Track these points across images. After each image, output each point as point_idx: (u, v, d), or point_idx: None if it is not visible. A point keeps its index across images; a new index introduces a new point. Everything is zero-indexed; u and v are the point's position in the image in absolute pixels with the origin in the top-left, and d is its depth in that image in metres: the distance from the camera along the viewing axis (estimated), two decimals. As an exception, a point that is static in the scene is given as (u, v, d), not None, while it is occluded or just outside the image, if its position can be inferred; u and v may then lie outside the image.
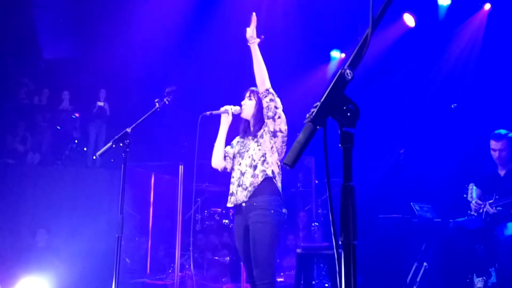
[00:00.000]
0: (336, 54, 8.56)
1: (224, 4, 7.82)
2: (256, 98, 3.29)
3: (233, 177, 3.26)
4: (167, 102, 3.33)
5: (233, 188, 3.24)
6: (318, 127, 1.05)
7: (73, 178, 8.25)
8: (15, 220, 7.38)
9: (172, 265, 6.36)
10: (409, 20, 7.20)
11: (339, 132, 1.08)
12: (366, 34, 1.09)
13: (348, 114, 1.06)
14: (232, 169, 3.32)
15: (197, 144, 3.38)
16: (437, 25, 7.09)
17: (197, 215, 6.85)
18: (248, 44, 3.27)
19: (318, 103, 1.05)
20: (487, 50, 6.65)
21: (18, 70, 9.17)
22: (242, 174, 3.18)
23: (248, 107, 3.32)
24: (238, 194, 3.17)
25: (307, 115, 1.05)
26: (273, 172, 3.14)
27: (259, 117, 3.27)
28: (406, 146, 5.89)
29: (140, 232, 7.57)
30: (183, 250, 6.29)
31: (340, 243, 1.03)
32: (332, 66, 8.59)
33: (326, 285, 5.76)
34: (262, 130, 3.23)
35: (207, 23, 8.09)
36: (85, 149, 9.27)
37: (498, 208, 4.56)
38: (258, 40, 3.25)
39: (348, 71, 1.08)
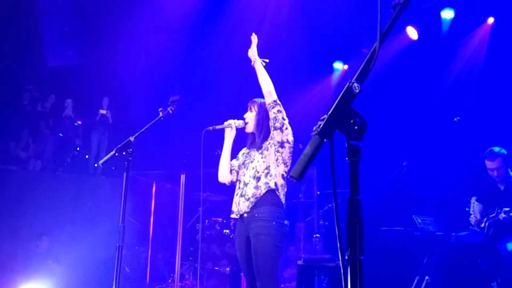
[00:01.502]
0: (338, 66, 8.58)
1: (228, 14, 7.86)
2: (256, 109, 3.31)
3: (239, 188, 3.26)
4: (170, 112, 3.34)
5: (236, 199, 3.25)
6: (325, 140, 1.05)
7: (75, 185, 8.26)
8: (17, 226, 7.37)
9: (172, 274, 6.32)
10: (412, 33, 7.22)
11: (346, 145, 1.08)
12: (373, 48, 1.09)
13: (356, 127, 1.06)
14: (238, 180, 3.32)
15: (202, 158, 3.43)
16: (440, 39, 7.11)
17: (197, 224, 6.82)
18: (251, 64, 3.37)
19: (325, 116, 1.05)
20: (490, 64, 6.65)
21: (22, 76, 9.21)
22: (245, 184, 3.19)
23: (250, 120, 3.33)
24: (240, 204, 3.17)
25: (314, 128, 1.05)
26: (276, 184, 3.13)
27: (262, 126, 3.27)
28: (409, 158, 5.88)
29: (140, 241, 7.54)
30: (183, 259, 6.25)
31: (346, 257, 1.02)
32: (335, 77, 8.61)
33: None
34: (267, 142, 3.23)
35: (211, 33, 8.13)
36: (87, 156, 9.29)
37: (511, 214, 4.52)
38: (259, 60, 3.33)
39: (355, 84, 1.07)
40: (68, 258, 6.42)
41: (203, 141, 3.33)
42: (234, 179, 3.36)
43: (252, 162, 3.23)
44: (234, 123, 3.34)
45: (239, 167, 3.35)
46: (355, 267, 0.99)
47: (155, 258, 7.21)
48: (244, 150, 3.46)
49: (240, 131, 3.40)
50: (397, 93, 7.10)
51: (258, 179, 3.13)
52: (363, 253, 1.00)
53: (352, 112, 1.06)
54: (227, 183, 3.38)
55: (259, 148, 3.24)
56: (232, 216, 3.28)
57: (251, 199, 3.11)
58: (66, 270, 5.98)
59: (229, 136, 3.37)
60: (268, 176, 3.14)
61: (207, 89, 8.59)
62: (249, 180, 3.17)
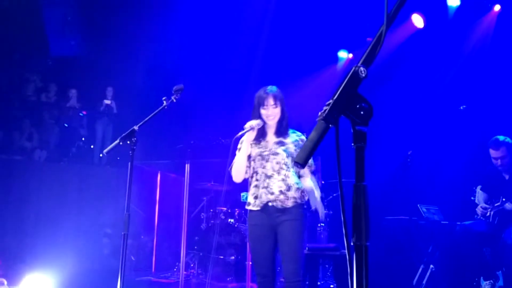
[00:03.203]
0: (343, 55, 8.52)
1: (234, 3, 7.80)
2: (280, 105, 3.26)
3: (257, 180, 3.24)
4: (174, 100, 3.32)
5: (257, 191, 3.23)
6: (330, 125, 1.03)
7: (80, 176, 8.29)
8: (21, 217, 7.42)
9: (177, 263, 6.36)
10: (418, 21, 7.15)
11: (352, 130, 1.06)
12: (380, 32, 1.07)
13: (362, 112, 1.04)
14: (255, 172, 3.28)
15: (228, 166, 3.35)
16: (446, 26, 7.04)
17: (202, 214, 6.84)
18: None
19: (331, 101, 1.03)
20: (496, 52, 6.58)
21: (26, 67, 9.21)
22: (268, 177, 3.20)
23: (276, 115, 3.27)
24: (263, 196, 3.18)
25: (320, 113, 1.03)
26: (299, 176, 3.27)
27: (283, 121, 3.29)
28: (414, 147, 5.85)
29: (145, 230, 7.58)
30: (188, 248, 6.28)
31: (352, 244, 1.01)
32: (340, 66, 8.56)
33: (332, 286, 5.73)
34: (289, 137, 3.30)
35: (216, 22, 8.08)
36: (92, 146, 9.31)
37: None
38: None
39: (362, 68, 1.06)
40: (73, 247, 6.45)
41: (232, 149, 3.30)
42: (247, 176, 3.34)
43: (273, 154, 3.22)
44: (257, 125, 3.23)
45: (251, 159, 3.31)
46: (360, 253, 0.98)
47: (160, 247, 7.25)
48: (249, 141, 3.32)
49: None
50: (403, 81, 7.06)
51: (281, 171, 3.19)
52: (369, 239, 0.99)
53: (358, 97, 1.05)
54: (238, 181, 3.36)
55: (280, 142, 3.27)
56: (250, 207, 3.26)
57: (276, 193, 3.15)
58: (71, 260, 6.01)
59: (249, 139, 3.28)
60: (291, 168, 3.22)
61: (213, 78, 8.56)
62: (272, 173, 3.19)
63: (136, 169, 7.49)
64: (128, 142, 3.11)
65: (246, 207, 3.30)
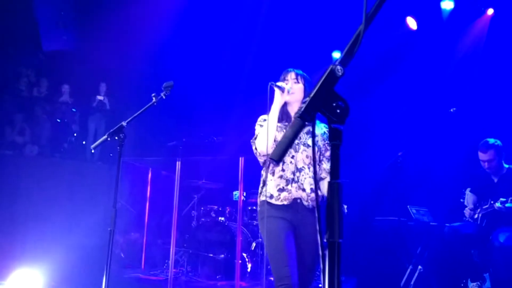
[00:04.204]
0: (337, 55, 8.55)
1: (227, 3, 7.80)
2: (303, 82, 2.95)
3: (283, 170, 2.84)
4: (164, 97, 3.31)
5: (283, 183, 2.83)
6: (306, 122, 1.04)
7: (71, 171, 8.26)
8: (11, 211, 7.38)
9: (166, 260, 6.35)
10: (411, 23, 7.19)
11: (328, 128, 1.07)
12: (358, 31, 1.08)
13: (338, 111, 1.05)
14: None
15: (268, 114, 2.83)
16: (440, 29, 7.08)
17: (193, 211, 6.83)
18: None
19: (308, 99, 1.04)
20: (488, 55, 6.63)
21: (19, 61, 9.16)
22: (298, 170, 2.83)
23: (297, 91, 2.92)
24: (293, 191, 2.81)
25: (296, 110, 1.04)
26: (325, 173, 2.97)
27: None
28: (405, 149, 5.88)
29: (135, 227, 7.57)
30: (178, 246, 6.28)
31: (325, 241, 1.02)
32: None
33: (320, 285, 5.75)
34: (317, 128, 2.98)
35: (210, 17, 8.08)
36: (84, 142, 9.29)
37: (506, 205, 4.52)
38: None
39: (338, 67, 1.06)
40: (63, 243, 6.43)
41: (269, 95, 2.78)
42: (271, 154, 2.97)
43: (304, 145, 2.88)
44: (287, 88, 2.88)
45: (275, 141, 2.86)
46: (333, 250, 0.98)
47: (150, 244, 7.25)
48: (276, 122, 2.89)
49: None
50: (395, 83, 7.09)
51: (312, 165, 2.85)
52: (342, 237, 1.00)
53: (335, 95, 1.05)
54: (262, 156, 2.90)
55: (310, 132, 2.87)
56: (273, 201, 2.82)
57: (307, 190, 2.81)
58: (60, 256, 5.99)
59: (281, 100, 2.86)
60: (324, 159, 2.95)
61: (205, 75, 8.56)
62: (303, 166, 2.84)
63: (128, 166, 7.51)
64: (116, 138, 3.10)
65: (268, 200, 2.84)
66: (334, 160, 1.04)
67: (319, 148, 2.95)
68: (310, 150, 2.85)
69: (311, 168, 2.84)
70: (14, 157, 8.28)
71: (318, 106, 1.03)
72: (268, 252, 2.75)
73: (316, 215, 1.03)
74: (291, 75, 2.97)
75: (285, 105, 2.96)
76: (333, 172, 1.03)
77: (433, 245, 5.48)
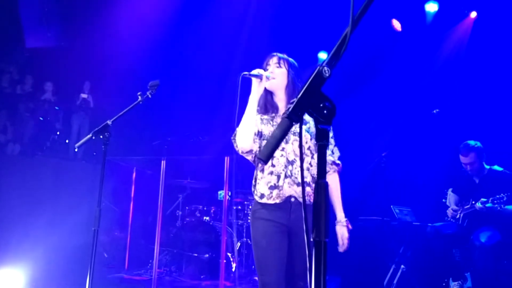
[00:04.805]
0: (323, 56, 8.60)
1: (213, 2, 7.80)
2: (286, 66, 2.73)
3: (273, 165, 2.58)
4: (150, 96, 3.30)
5: (274, 179, 2.59)
6: (294, 123, 1.05)
7: (54, 170, 8.16)
8: (-7, 211, 7.27)
9: (150, 260, 6.32)
10: (396, 25, 7.27)
11: (315, 128, 1.08)
12: (345, 33, 1.09)
13: (325, 111, 1.06)
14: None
15: (238, 106, 2.59)
16: (423, 31, 7.17)
17: (177, 211, 6.81)
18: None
19: (295, 99, 1.05)
20: (471, 57, 6.74)
21: (2, 57, 9.02)
22: (290, 163, 2.58)
23: (278, 76, 2.70)
24: (285, 187, 2.56)
25: (284, 111, 1.05)
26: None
27: (293, 90, 2.71)
28: (388, 149, 5.95)
29: (119, 227, 7.51)
30: (162, 245, 6.25)
31: (311, 240, 1.03)
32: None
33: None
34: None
35: (196, 17, 8.06)
36: (67, 141, 9.19)
37: (487, 205, 4.60)
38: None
39: (325, 68, 1.08)
40: (46, 243, 6.35)
41: (240, 87, 2.52)
42: (255, 149, 2.65)
43: (294, 135, 2.62)
44: (265, 75, 2.65)
45: (260, 136, 2.68)
46: (319, 249, 1.00)
47: (134, 244, 7.20)
48: (258, 114, 2.73)
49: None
50: (379, 84, 7.16)
51: (306, 159, 2.63)
52: (328, 236, 1.01)
53: (322, 96, 1.07)
54: (242, 152, 2.66)
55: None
56: (264, 200, 2.61)
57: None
58: (44, 255, 5.92)
59: (258, 90, 2.65)
60: (315, 155, 2.72)
61: (191, 74, 8.54)
62: (294, 158, 2.59)
63: (112, 165, 7.44)
64: (101, 136, 3.08)
65: (259, 200, 2.63)
66: (320, 160, 1.05)
67: (313, 135, 2.62)
68: (302, 139, 2.55)
69: (305, 159, 2.62)
70: (-5, 156, 8.16)
71: (306, 106, 1.05)
72: (255, 257, 2.61)
73: (303, 215, 1.04)
74: (273, 60, 2.75)
75: (270, 94, 2.75)
76: (320, 172, 1.04)
77: (416, 244, 5.55)
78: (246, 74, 2.58)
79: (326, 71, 1.07)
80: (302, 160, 1.11)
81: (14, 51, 9.22)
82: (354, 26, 1.09)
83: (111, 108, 8.22)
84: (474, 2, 6.88)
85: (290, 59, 2.80)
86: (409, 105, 6.91)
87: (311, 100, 1.05)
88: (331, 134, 2.79)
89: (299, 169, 2.55)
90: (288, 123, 1.04)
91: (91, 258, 2.96)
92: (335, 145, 2.81)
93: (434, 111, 5.47)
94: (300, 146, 1.11)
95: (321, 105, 1.06)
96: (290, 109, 1.03)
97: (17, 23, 8.75)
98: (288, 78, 2.71)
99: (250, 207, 6.40)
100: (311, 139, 2.65)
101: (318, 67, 1.07)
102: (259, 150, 2.65)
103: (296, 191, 2.57)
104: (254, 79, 2.64)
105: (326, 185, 1.04)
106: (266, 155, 1.05)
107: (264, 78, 2.63)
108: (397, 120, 6.89)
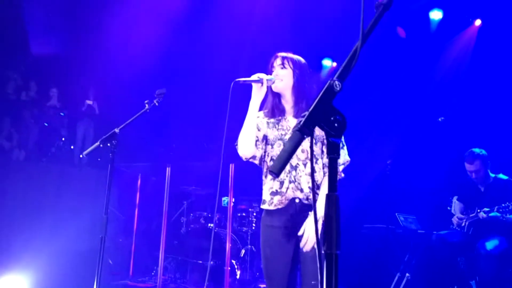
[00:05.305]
0: (327, 63, 8.62)
1: (217, 8, 7.83)
2: (291, 66, 2.63)
3: None
4: (157, 104, 3.31)
5: (276, 185, 2.55)
6: (305, 136, 1.07)
7: (59, 176, 8.18)
8: (-2, 217, 7.29)
9: (155, 267, 6.32)
10: (400, 31, 7.29)
11: (326, 142, 1.10)
12: (355, 47, 1.11)
13: (336, 124, 1.08)
14: (272, 159, 2.59)
15: (228, 114, 2.56)
16: (428, 39, 7.18)
17: (182, 218, 6.82)
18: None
19: (306, 113, 1.07)
20: (476, 65, 6.75)
21: (6, 64, 9.08)
22: (293, 168, 2.52)
23: (284, 78, 2.61)
24: (289, 192, 2.51)
25: (295, 124, 1.06)
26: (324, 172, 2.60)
27: (304, 91, 2.62)
28: (393, 157, 5.95)
29: (124, 233, 7.52)
30: (167, 252, 6.25)
31: (323, 252, 1.04)
32: (324, 74, 8.65)
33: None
34: None
35: (199, 26, 8.10)
36: (72, 147, 9.22)
37: (490, 214, 4.60)
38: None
39: (336, 82, 1.09)
40: (50, 249, 6.36)
41: (231, 94, 2.49)
42: (258, 155, 2.62)
43: None
44: (265, 78, 2.57)
45: (266, 140, 2.64)
46: (331, 261, 1.01)
47: (138, 250, 7.20)
48: (265, 118, 2.69)
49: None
50: (383, 91, 7.17)
51: (310, 161, 2.46)
52: (339, 248, 1.02)
53: (333, 109, 1.08)
54: (245, 158, 2.63)
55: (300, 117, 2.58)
56: (266, 206, 2.58)
57: (306, 190, 2.49)
58: (47, 262, 5.93)
59: (258, 95, 2.57)
60: (320, 160, 2.56)
61: (196, 81, 8.57)
62: (297, 164, 2.52)
63: (117, 171, 7.45)
64: (109, 144, 3.10)
65: (262, 206, 2.61)
66: (332, 173, 1.06)
67: (318, 139, 2.58)
68: (306, 144, 2.46)
69: (309, 164, 2.49)
70: (0, 162, 8.18)
71: (317, 120, 1.06)
72: (262, 265, 2.59)
73: (315, 227, 1.05)
74: (277, 61, 2.66)
75: (277, 97, 2.66)
76: (331, 185, 1.05)
77: (421, 252, 5.54)
78: (240, 81, 2.51)
79: (337, 85, 1.09)
80: (312, 172, 1.12)
81: (19, 58, 9.28)
82: (364, 40, 1.10)
83: (116, 114, 8.26)
84: (478, 10, 6.90)
85: (296, 56, 2.71)
86: (414, 112, 6.91)
87: (322, 113, 1.07)
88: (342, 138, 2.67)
89: (301, 174, 2.50)
90: (299, 136, 1.06)
91: (98, 265, 2.97)
92: (342, 147, 2.69)
93: (439, 119, 5.48)
94: (311, 161, 1.12)
95: (332, 118, 1.08)
96: (301, 123, 1.05)
97: (22, 29, 8.81)
98: (294, 78, 2.62)
99: (254, 214, 6.40)
100: (315, 144, 2.56)
101: (329, 81, 1.09)
102: (263, 157, 2.64)
103: (300, 196, 2.50)
104: (254, 84, 2.57)
105: (337, 198, 1.06)
106: (278, 168, 1.06)
107: (265, 82, 2.55)
108: (402, 128, 6.89)
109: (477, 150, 4.88)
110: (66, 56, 9.47)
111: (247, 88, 2.60)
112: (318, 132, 2.45)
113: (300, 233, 2.42)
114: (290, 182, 2.51)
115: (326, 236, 1.03)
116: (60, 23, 9.31)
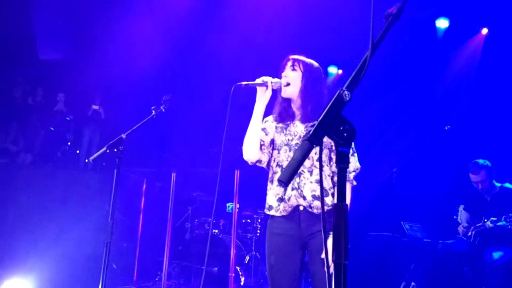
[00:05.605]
0: (333, 70, 8.62)
1: (223, 13, 7.86)
2: (302, 68, 2.59)
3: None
4: (163, 110, 3.33)
5: (281, 192, 2.51)
6: (314, 145, 1.07)
7: (64, 180, 8.21)
8: (2, 220, 7.31)
9: (159, 273, 6.31)
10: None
11: (335, 151, 1.10)
12: (365, 57, 1.11)
13: (345, 134, 1.08)
14: (279, 166, 2.55)
15: (227, 119, 2.52)
16: (434, 47, 7.17)
17: (187, 223, 6.82)
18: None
19: (316, 122, 1.07)
20: (482, 74, 6.73)
21: (14, 69, 9.14)
22: (298, 175, 2.47)
23: (293, 81, 2.58)
24: (292, 199, 2.48)
25: (304, 133, 1.06)
26: (332, 178, 2.54)
27: (312, 94, 2.55)
28: (399, 165, 5.93)
29: (128, 238, 7.52)
30: (171, 258, 6.25)
31: (331, 262, 1.04)
32: (329, 81, 8.65)
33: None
34: None
35: (204, 31, 8.13)
36: (77, 151, 9.25)
37: (497, 224, 4.57)
38: None
39: (346, 92, 1.09)
40: (55, 253, 6.38)
41: (231, 98, 2.46)
42: (264, 159, 2.59)
43: None
44: (270, 81, 2.54)
45: (273, 145, 2.60)
46: (339, 271, 1.00)
47: (143, 256, 7.20)
48: (273, 123, 2.65)
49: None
50: (389, 100, 7.15)
51: (315, 171, 2.48)
52: (348, 258, 1.02)
53: (342, 119, 1.08)
54: (251, 162, 2.59)
55: (308, 122, 2.52)
56: (272, 212, 2.55)
57: (308, 198, 2.45)
58: (52, 265, 5.94)
59: (263, 99, 2.54)
60: (327, 167, 2.51)
61: (202, 86, 8.59)
62: (302, 170, 2.47)
63: (122, 176, 7.46)
64: (115, 150, 3.11)
65: (267, 212, 2.57)
66: (341, 183, 1.06)
67: (325, 146, 2.52)
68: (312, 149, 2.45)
69: (314, 171, 2.47)
70: (6, 166, 8.22)
71: (326, 129, 1.06)
72: (266, 272, 2.57)
73: (323, 236, 1.04)
74: (289, 63, 2.64)
75: (287, 101, 2.62)
76: (339, 195, 1.05)
77: (427, 261, 5.50)
78: (242, 84, 2.48)
79: (347, 95, 1.09)
80: (321, 183, 1.12)
81: (27, 63, 9.34)
82: (374, 50, 1.10)
83: (122, 119, 8.29)
84: (485, 18, 6.89)
85: (308, 60, 2.66)
86: (420, 121, 6.90)
87: (331, 123, 1.07)
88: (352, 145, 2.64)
89: (306, 181, 2.46)
90: (308, 146, 1.06)
91: (102, 270, 2.97)
92: (353, 154, 2.68)
93: (446, 128, 5.47)
94: (320, 170, 1.12)
95: (341, 128, 1.08)
96: (310, 132, 1.05)
97: (29, 35, 8.88)
98: (303, 81, 2.57)
99: (259, 220, 6.39)
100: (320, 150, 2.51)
101: (339, 91, 1.09)
102: (270, 162, 2.61)
103: (303, 203, 2.46)
104: (258, 88, 2.55)
105: (346, 207, 1.05)
106: (287, 178, 1.06)
107: (269, 85, 2.52)
108: (409, 136, 6.87)
109: (481, 161, 4.88)
110: (72, 61, 9.53)
111: (254, 92, 2.60)
112: (325, 139, 2.35)
113: (322, 255, 2.35)
114: (292, 189, 2.47)
115: (334, 246, 1.03)
116: (67, 28, 9.38)
